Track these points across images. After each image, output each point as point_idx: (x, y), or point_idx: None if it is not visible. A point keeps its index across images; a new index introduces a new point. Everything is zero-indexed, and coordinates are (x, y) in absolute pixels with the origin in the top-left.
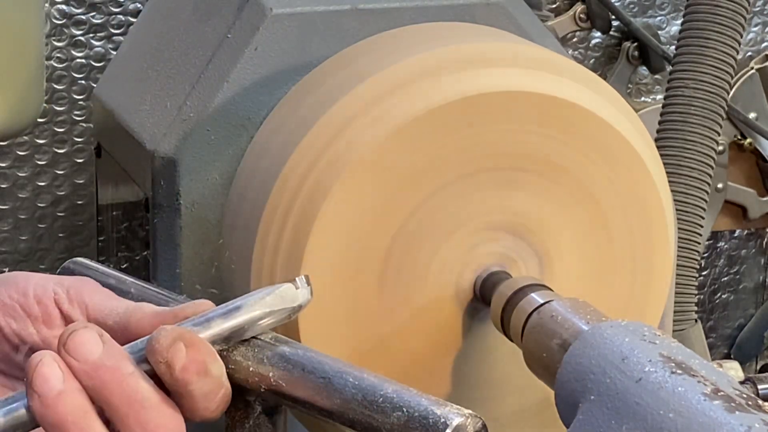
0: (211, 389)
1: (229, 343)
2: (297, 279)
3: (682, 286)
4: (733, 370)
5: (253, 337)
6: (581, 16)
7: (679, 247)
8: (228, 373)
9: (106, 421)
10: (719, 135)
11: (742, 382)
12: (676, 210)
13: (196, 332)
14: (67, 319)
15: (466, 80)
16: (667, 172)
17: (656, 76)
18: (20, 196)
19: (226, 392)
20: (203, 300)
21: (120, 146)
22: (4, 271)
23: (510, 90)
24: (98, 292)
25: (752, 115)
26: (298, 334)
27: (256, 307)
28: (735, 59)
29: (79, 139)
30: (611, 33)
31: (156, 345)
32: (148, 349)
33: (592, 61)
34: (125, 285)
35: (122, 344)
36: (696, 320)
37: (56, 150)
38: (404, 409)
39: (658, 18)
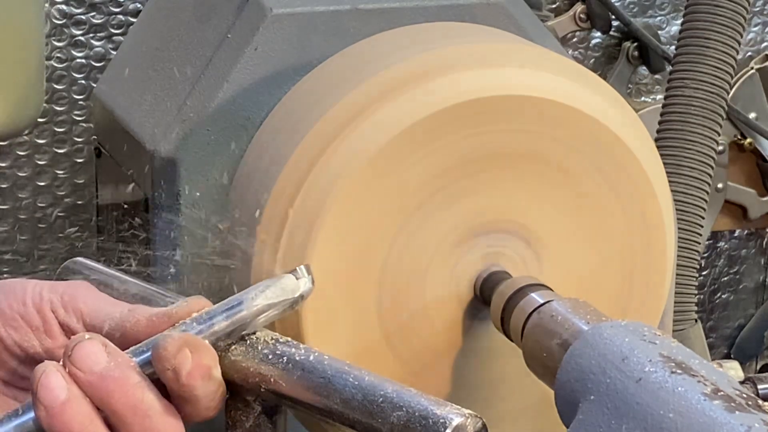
0: (213, 390)
1: (232, 338)
2: (297, 269)
3: (682, 286)
4: (733, 370)
5: (254, 338)
6: (581, 16)
7: (679, 247)
8: (228, 373)
9: (111, 428)
10: (719, 135)
11: (742, 382)
12: (676, 210)
13: (200, 331)
14: (64, 328)
15: (466, 81)
16: (667, 172)
17: (656, 76)
18: (20, 196)
19: (223, 391)
20: (197, 297)
21: (120, 146)
22: (4, 273)
23: (509, 93)
24: (92, 297)
25: (752, 115)
26: (301, 333)
27: (258, 301)
28: (735, 59)
29: (79, 139)
30: (611, 33)
31: (163, 352)
32: (155, 356)
33: (592, 61)
34: (126, 285)
35: (120, 349)
36: (696, 320)
37: (56, 150)
38: (404, 409)
39: (658, 18)
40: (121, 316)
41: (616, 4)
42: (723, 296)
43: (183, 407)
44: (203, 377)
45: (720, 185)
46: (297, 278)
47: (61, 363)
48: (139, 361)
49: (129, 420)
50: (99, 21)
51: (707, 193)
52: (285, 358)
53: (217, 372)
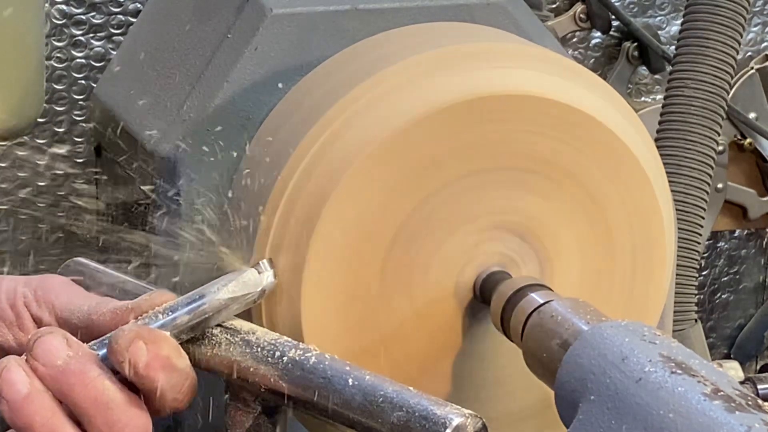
0: (178, 381)
1: (195, 332)
2: (260, 263)
3: (682, 286)
4: (733, 370)
5: (254, 337)
6: (581, 16)
7: (679, 247)
8: (227, 372)
9: (77, 421)
10: (719, 135)
11: (742, 382)
12: (676, 210)
13: (163, 324)
14: (36, 322)
15: (465, 80)
16: (667, 172)
17: (656, 76)
18: (20, 196)
19: (192, 382)
20: (161, 291)
21: (120, 146)
22: (4, 272)
23: (507, 92)
24: (64, 291)
25: (752, 115)
26: (300, 333)
27: (220, 295)
28: (735, 59)
29: (79, 139)
30: (611, 33)
31: (115, 346)
32: (109, 350)
33: (592, 61)
34: (124, 284)
35: (87, 341)
36: (696, 320)
37: (56, 150)
38: (404, 409)
39: (658, 18)
40: (89, 309)
41: (616, 4)
42: (723, 296)
43: (149, 399)
44: (164, 368)
45: (720, 185)
46: (259, 272)
47: (24, 357)
48: (102, 354)
49: (91, 412)
50: (99, 21)
51: (707, 193)
52: (285, 358)
53: (182, 363)
